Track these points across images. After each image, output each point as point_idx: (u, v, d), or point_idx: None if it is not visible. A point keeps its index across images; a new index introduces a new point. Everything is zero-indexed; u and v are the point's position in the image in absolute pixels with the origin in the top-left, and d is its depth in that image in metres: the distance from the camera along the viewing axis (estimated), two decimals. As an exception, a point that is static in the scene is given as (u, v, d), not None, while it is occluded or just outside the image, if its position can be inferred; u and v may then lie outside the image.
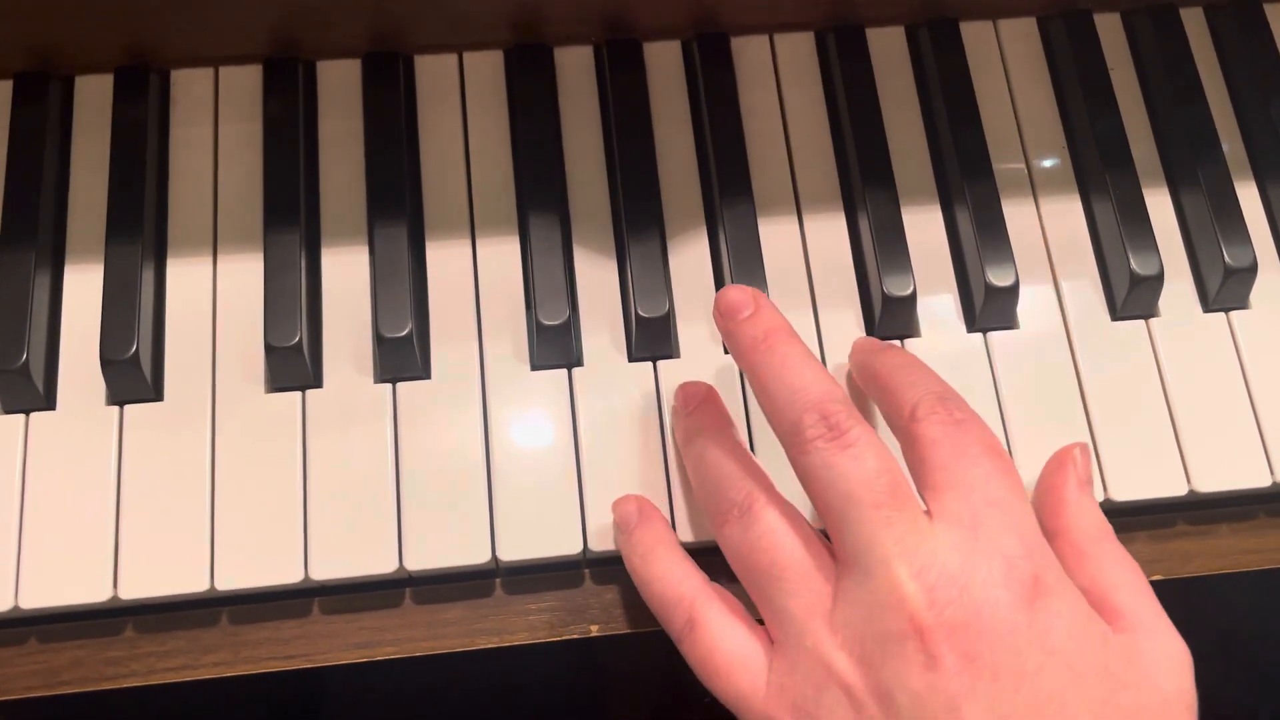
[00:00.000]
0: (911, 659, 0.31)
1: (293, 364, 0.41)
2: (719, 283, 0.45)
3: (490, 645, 0.42)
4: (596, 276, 0.45)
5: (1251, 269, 0.43)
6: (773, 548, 0.35)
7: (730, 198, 0.44)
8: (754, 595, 0.36)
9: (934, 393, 0.36)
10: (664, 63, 0.48)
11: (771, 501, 0.36)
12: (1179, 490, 0.42)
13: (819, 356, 0.43)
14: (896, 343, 0.43)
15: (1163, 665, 0.34)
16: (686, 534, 0.41)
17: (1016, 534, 0.33)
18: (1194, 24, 0.49)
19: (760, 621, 0.37)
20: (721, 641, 0.36)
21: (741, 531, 0.36)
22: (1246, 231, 0.44)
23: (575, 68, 0.48)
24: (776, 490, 0.37)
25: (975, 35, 0.48)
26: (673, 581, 0.38)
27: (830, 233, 0.45)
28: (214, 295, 0.43)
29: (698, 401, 0.40)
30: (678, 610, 0.37)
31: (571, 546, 0.40)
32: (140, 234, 0.42)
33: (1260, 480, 0.42)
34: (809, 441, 0.34)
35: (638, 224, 0.44)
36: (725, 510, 0.37)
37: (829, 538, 0.35)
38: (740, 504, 0.36)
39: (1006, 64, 0.48)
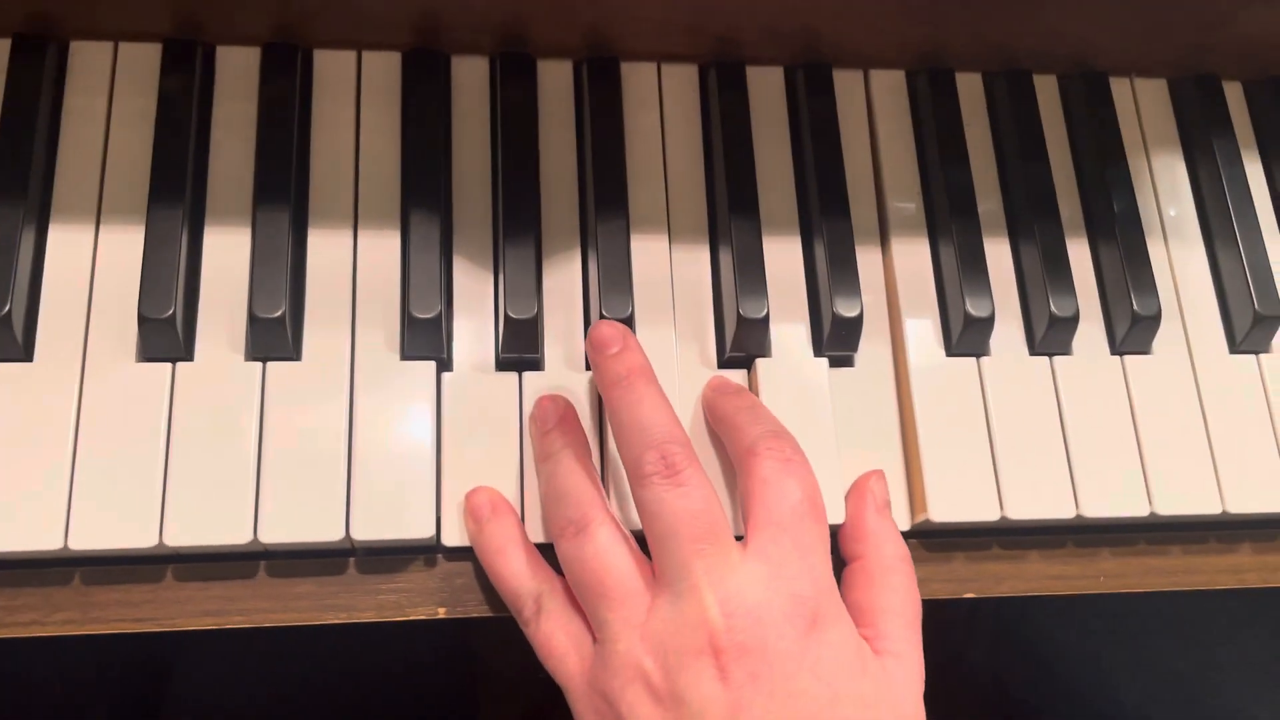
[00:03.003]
0: (706, 671, 0.37)
1: (165, 336, 0.42)
2: (588, 293, 0.47)
3: (338, 621, 0.43)
4: (473, 277, 0.47)
5: (1073, 319, 0.47)
6: (600, 567, 0.40)
7: (605, 213, 0.47)
8: (582, 602, 0.41)
9: (771, 431, 0.41)
10: (556, 79, 0.50)
11: (604, 523, 0.40)
12: (991, 516, 0.45)
13: (676, 370, 0.46)
14: (745, 386, 0.46)
15: (906, 687, 0.40)
16: (535, 534, 0.43)
17: (810, 576, 0.39)
18: (1046, 90, 0.53)
19: None
20: (557, 631, 0.41)
21: (576, 548, 0.40)
22: (1072, 284, 0.48)
23: (470, 76, 0.50)
24: (610, 513, 0.41)
25: (847, 82, 0.52)
26: (523, 577, 0.42)
27: (696, 254, 0.48)
28: (93, 263, 0.44)
29: (556, 420, 0.43)
30: (526, 602, 0.41)
31: (424, 531, 0.42)
32: (24, 197, 0.43)
33: (1065, 512, 0.46)
34: (646, 476, 0.39)
35: (514, 230, 0.46)
36: (563, 527, 0.41)
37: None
38: (577, 523, 0.40)
39: (874, 111, 0.52)
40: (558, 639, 0.41)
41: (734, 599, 0.37)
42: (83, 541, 0.40)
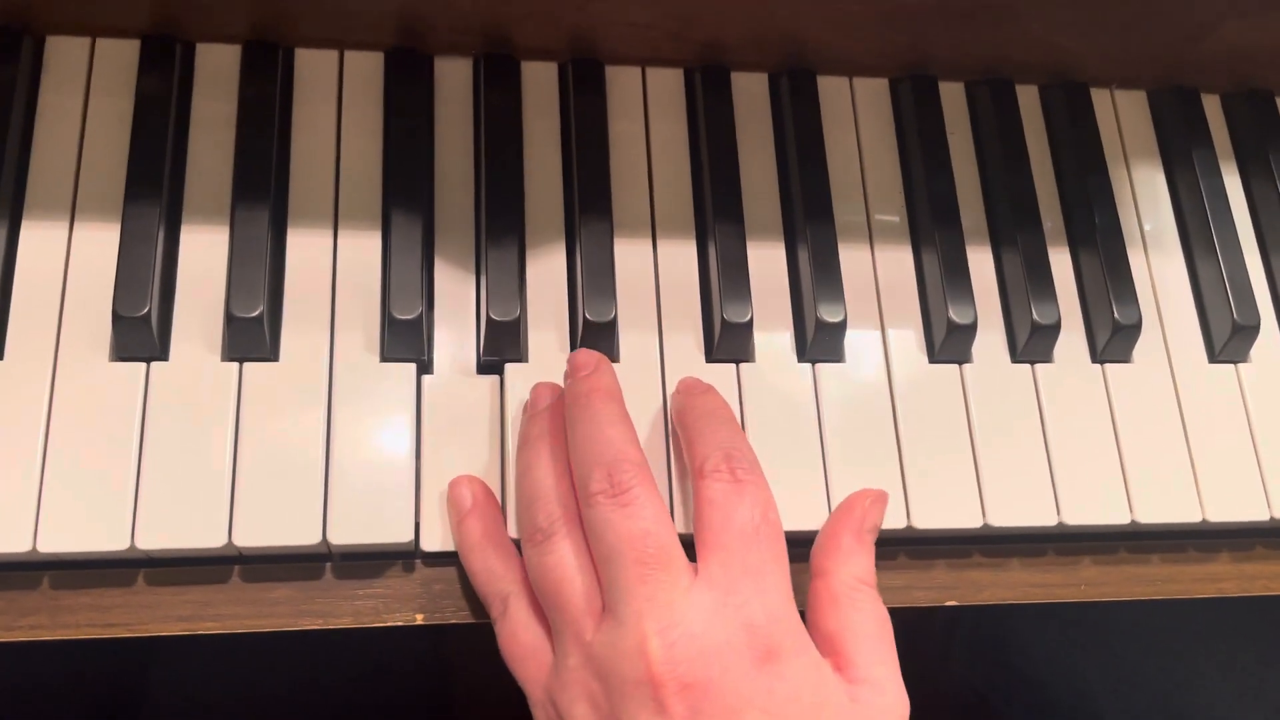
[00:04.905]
0: (644, 703, 0.35)
1: (139, 335, 0.41)
2: (573, 296, 0.47)
3: (314, 627, 0.43)
4: (454, 279, 0.46)
5: (1055, 327, 0.47)
6: (559, 580, 0.39)
7: (589, 217, 0.46)
8: (544, 607, 0.40)
9: (723, 449, 0.40)
10: (540, 82, 0.50)
11: (569, 535, 0.39)
12: (974, 523, 0.45)
13: (660, 374, 0.46)
14: (714, 386, 0.44)
15: (884, 717, 0.37)
16: (516, 531, 0.42)
17: (764, 602, 0.37)
18: (1028, 99, 0.53)
19: None
20: (521, 633, 0.40)
21: (539, 556, 0.40)
22: (1054, 293, 0.48)
23: (454, 77, 0.49)
24: (578, 523, 0.40)
25: (831, 89, 0.52)
26: (494, 575, 0.41)
27: (681, 258, 0.48)
28: (66, 261, 0.43)
29: (545, 405, 0.43)
30: (494, 600, 0.41)
31: (403, 535, 0.42)
32: (-4, 193, 0.42)
33: (1047, 519, 0.46)
34: (592, 495, 0.38)
35: (497, 232, 0.45)
36: (531, 532, 0.40)
37: None
38: (543, 530, 0.40)
39: (858, 118, 0.52)
40: (519, 642, 0.40)
41: (676, 628, 0.36)
42: (52, 544, 0.39)
